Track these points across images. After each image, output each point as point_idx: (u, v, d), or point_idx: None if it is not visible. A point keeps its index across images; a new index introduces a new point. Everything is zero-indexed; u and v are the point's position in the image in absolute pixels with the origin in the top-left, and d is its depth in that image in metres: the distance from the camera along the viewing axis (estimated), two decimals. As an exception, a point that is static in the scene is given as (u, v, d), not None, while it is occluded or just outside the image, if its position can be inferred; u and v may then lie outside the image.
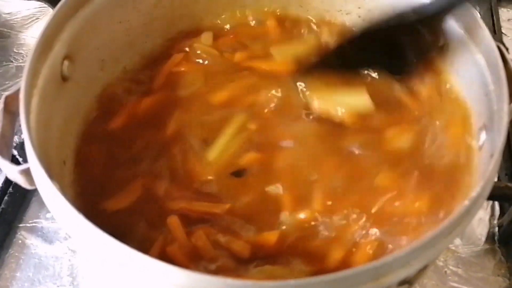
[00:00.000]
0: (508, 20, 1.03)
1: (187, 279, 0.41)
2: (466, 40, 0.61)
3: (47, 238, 0.73)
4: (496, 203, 0.77)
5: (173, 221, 0.55)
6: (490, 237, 0.75)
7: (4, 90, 0.89)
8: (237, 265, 0.53)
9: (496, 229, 0.75)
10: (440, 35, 0.64)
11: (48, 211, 0.63)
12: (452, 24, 0.63)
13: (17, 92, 0.52)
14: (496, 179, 0.76)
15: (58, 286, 0.69)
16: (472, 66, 0.59)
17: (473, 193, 0.45)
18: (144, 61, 0.72)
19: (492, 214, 0.77)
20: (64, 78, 0.60)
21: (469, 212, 0.46)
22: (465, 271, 0.72)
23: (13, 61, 0.94)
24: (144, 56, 0.72)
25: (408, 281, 0.49)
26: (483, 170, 0.51)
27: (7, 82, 0.91)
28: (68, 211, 0.45)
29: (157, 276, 0.42)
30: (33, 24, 1.01)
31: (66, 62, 0.60)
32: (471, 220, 0.48)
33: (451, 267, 0.72)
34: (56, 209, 0.47)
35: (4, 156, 0.51)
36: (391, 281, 0.43)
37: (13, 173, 0.50)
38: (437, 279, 0.70)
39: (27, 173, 0.50)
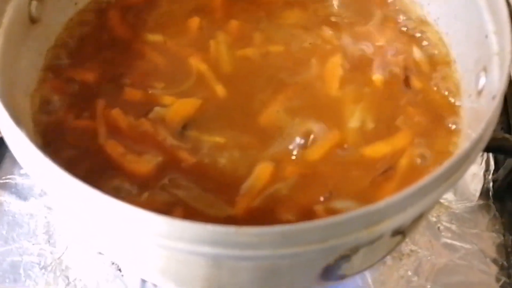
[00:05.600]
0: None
1: (167, 227, 0.38)
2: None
3: (21, 194, 0.69)
4: (491, 158, 0.74)
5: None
6: (484, 193, 0.72)
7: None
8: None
9: (491, 184, 0.72)
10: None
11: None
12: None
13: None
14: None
15: (33, 244, 0.65)
16: (471, 6, 0.55)
17: (474, 135, 0.42)
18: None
19: (487, 169, 0.74)
20: (33, 20, 0.56)
21: (468, 156, 0.43)
22: (458, 227, 0.69)
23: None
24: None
25: (402, 231, 0.46)
26: (484, 115, 0.47)
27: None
28: (36, 157, 0.41)
29: (135, 224, 0.39)
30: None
31: (34, 2, 0.56)
32: (470, 166, 0.44)
33: (444, 223, 0.69)
34: (24, 157, 0.43)
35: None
36: (385, 229, 0.40)
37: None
38: (430, 235, 0.68)
39: (-9, 119, 0.46)
